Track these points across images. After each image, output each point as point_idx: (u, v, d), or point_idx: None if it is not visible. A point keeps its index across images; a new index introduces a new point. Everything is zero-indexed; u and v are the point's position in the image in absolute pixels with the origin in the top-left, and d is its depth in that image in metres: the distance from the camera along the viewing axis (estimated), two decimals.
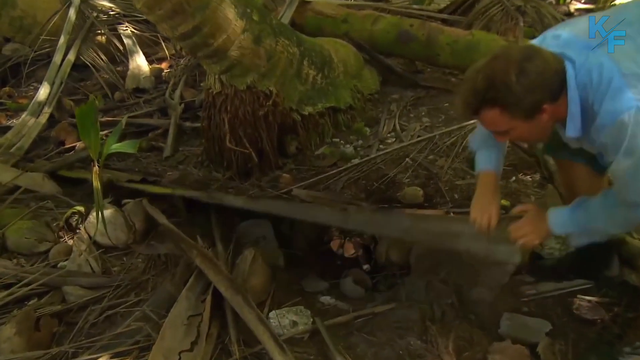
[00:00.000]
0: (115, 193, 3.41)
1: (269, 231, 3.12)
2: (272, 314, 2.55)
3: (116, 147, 2.95)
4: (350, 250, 3.15)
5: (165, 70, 5.16)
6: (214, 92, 3.49)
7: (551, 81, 1.72)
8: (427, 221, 2.80)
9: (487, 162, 2.30)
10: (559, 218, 2.10)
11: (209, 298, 2.48)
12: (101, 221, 2.87)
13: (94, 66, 4.89)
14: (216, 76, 3.45)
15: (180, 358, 2.19)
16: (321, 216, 2.96)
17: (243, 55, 3.30)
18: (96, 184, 2.83)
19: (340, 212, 2.93)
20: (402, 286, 2.76)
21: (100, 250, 2.95)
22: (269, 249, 3.01)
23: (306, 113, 3.73)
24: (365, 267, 3.08)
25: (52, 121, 4.33)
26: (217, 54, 3.25)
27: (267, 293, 2.72)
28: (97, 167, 2.90)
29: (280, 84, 3.55)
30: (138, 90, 4.85)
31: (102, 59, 4.95)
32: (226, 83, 3.44)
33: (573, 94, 1.74)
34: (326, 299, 2.80)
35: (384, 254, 3.06)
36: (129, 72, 4.93)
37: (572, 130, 1.80)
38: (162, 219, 2.93)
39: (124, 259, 2.97)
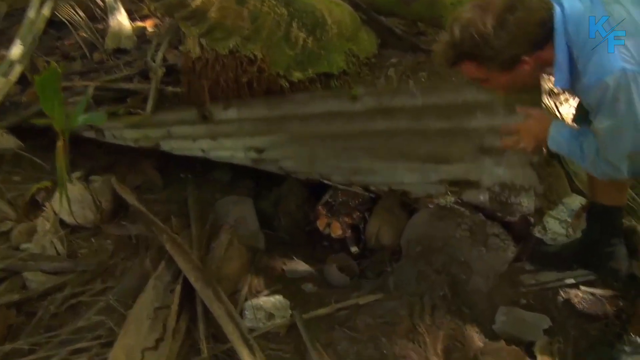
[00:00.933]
0: (87, 160, 3.25)
1: (249, 210, 2.95)
2: (247, 304, 2.41)
3: (83, 119, 2.74)
4: (337, 230, 2.98)
5: (149, 29, 4.90)
6: (193, 57, 3.26)
7: (533, 32, 1.67)
8: (440, 93, 2.71)
9: None
10: (557, 136, 1.98)
11: (178, 288, 2.34)
12: (67, 200, 2.70)
13: (71, 23, 4.63)
14: (195, 39, 3.22)
15: (143, 356, 2.05)
16: (329, 105, 2.90)
17: (225, 17, 3.06)
18: (60, 160, 2.65)
19: (348, 100, 2.86)
20: (392, 274, 2.59)
21: (66, 230, 2.79)
22: (248, 229, 2.84)
23: (295, 79, 3.46)
24: (354, 249, 2.91)
25: (25, 85, 4.11)
26: (196, 16, 3.01)
27: (244, 280, 2.56)
28: (62, 141, 2.70)
29: (267, 48, 3.30)
30: (119, 51, 4.58)
31: (80, 15, 4.68)
32: (206, 47, 3.21)
33: (560, 41, 1.67)
34: (308, 287, 2.65)
35: (374, 235, 2.90)
36: (109, 31, 4.67)
37: (559, 81, 1.75)
38: (131, 199, 2.76)
39: (92, 240, 2.82)
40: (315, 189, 3.21)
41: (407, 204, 3.03)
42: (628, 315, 2.30)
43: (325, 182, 3.14)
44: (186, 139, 3.19)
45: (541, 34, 1.67)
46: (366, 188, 3.09)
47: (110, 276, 2.60)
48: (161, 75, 3.94)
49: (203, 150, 3.22)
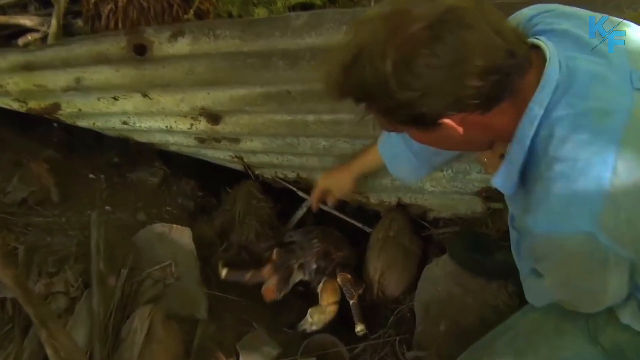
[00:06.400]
0: None
1: (186, 247, 2.10)
2: None
3: None
4: (270, 294, 2.11)
5: None
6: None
7: (466, 85, 0.98)
8: None
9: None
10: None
11: None
12: None
13: None
14: None
15: None
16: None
17: None
18: None
19: None
20: None
21: None
22: (184, 286, 2.01)
23: None
24: (359, 329, 2.03)
25: None
26: None
27: None
28: None
29: None
30: None
31: None
32: None
33: (524, 131, 1.07)
34: None
35: (375, 283, 2.10)
36: None
37: (500, 180, 1.19)
38: None
39: None
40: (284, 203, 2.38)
41: (420, 226, 2.24)
42: None
43: (300, 193, 2.30)
44: (103, 95, 2.28)
45: (487, 89, 1.00)
46: (362, 204, 2.27)
47: None
48: (65, 4, 3.00)
49: (126, 118, 2.33)
